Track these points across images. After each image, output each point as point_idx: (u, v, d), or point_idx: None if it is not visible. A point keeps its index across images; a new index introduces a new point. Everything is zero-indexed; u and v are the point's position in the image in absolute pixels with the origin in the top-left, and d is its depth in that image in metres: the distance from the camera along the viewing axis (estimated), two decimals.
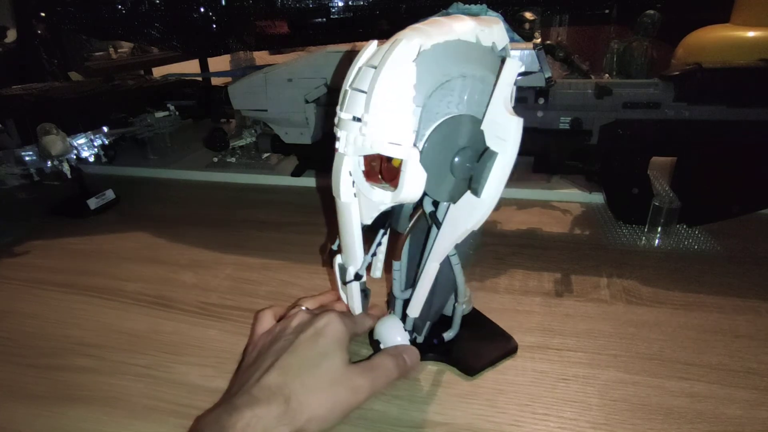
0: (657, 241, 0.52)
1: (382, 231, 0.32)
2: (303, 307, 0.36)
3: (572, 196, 0.63)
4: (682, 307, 0.42)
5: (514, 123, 0.25)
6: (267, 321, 0.36)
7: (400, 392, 0.34)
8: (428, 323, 0.36)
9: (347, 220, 0.30)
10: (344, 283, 0.33)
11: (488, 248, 0.52)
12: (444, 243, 0.30)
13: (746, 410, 0.32)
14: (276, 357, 0.30)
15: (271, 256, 0.52)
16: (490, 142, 0.27)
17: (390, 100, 0.25)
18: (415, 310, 0.33)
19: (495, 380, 0.34)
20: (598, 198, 0.62)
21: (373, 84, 0.25)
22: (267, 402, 0.27)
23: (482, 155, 0.27)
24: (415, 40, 0.24)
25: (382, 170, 0.28)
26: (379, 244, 0.32)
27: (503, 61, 0.26)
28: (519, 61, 0.25)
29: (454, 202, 0.29)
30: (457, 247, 0.31)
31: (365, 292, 0.34)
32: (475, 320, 0.40)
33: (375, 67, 0.25)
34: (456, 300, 0.36)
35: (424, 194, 0.28)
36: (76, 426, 0.32)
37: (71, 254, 0.54)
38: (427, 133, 0.26)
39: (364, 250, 0.31)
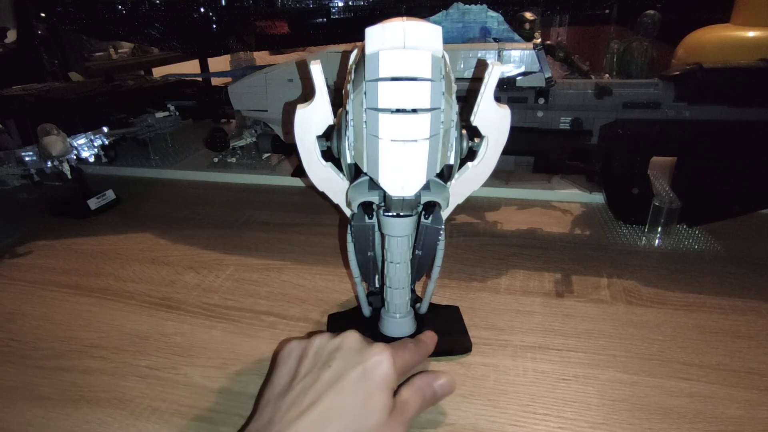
0: (657, 241, 0.52)
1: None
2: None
3: (572, 196, 0.64)
4: (682, 308, 0.42)
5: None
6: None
7: None
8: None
9: None
10: None
11: (489, 248, 0.52)
12: None
13: (746, 410, 0.32)
14: (317, 394, 0.26)
15: (272, 257, 0.52)
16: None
17: None
18: None
19: (497, 380, 0.35)
20: (598, 198, 0.62)
21: None
22: None
23: None
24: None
25: None
26: None
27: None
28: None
29: None
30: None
31: None
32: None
33: None
34: None
35: None
36: (81, 427, 0.32)
37: (74, 255, 0.54)
38: None
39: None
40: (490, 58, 0.50)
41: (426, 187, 0.31)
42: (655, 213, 0.52)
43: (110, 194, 0.66)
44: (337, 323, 0.40)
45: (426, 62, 0.26)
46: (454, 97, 0.30)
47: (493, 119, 0.32)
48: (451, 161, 0.32)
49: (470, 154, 0.34)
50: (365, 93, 0.27)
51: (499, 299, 0.44)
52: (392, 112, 0.26)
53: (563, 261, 0.49)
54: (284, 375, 0.29)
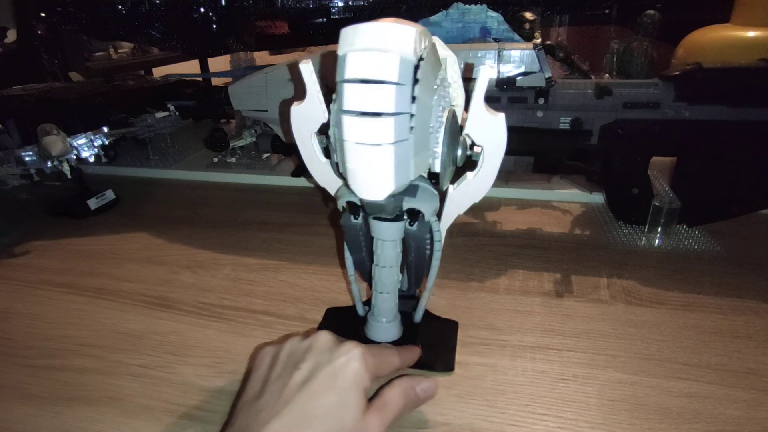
0: (657, 241, 0.52)
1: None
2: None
3: (572, 196, 0.63)
4: (682, 308, 0.42)
5: None
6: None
7: None
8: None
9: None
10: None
11: (488, 248, 0.52)
12: None
13: (745, 410, 0.31)
14: (288, 397, 0.26)
15: (270, 257, 0.52)
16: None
17: None
18: None
19: (495, 380, 0.34)
20: (598, 198, 0.62)
21: None
22: None
23: None
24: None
25: None
26: None
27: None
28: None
29: None
30: None
31: None
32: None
33: None
34: None
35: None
36: (73, 425, 0.32)
37: (71, 254, 0.54)
38: None
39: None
40: (490, 58, 0.50)
41: (412, 193, 0.31)
42: (655, 213, 0.52)
43: (110, 194, 0.66)
44: (332, 319, 0.40)
45: (392, 65, 0.24)
46: (444, 101, 0.29)
47: (486, 128, 0.31)
48: (436, 169, 0.30)
49: (471, 164, 0.32)
50: (336, 95, 0.26)
51: (497, 299, 0.43)
52: (356, 114, 0.25)
53: (563, 261, 0.49)
54: (257, 380, 0.29)
